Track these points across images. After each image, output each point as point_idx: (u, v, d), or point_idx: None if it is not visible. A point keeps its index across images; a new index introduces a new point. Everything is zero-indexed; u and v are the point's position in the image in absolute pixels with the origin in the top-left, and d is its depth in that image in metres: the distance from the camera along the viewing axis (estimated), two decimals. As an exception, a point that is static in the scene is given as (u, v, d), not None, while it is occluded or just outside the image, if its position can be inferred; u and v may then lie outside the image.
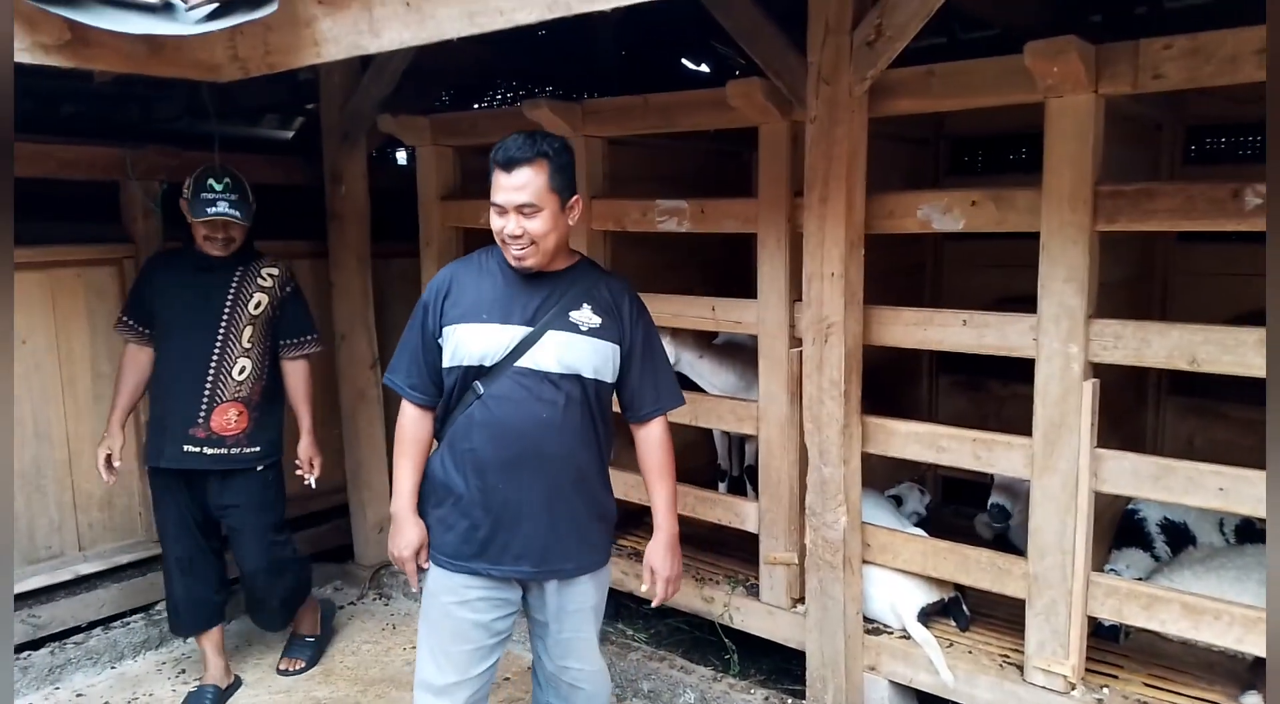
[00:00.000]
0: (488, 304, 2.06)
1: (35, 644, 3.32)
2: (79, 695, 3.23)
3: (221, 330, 2.96)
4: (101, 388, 3.46)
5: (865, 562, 2.76)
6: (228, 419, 2.95)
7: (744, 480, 3.62)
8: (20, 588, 3.31)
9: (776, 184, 2.76)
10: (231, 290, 2.98)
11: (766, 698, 2.89)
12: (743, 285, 3.19)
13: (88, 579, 3.50)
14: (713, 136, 3.31)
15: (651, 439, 2.18)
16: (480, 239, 3.78)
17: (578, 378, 2.05)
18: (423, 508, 2.15)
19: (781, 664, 3.12)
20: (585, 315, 2.04)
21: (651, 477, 2.18)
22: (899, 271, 3.77)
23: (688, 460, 3.72)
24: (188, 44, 2.54)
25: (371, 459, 4.00)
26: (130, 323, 3.02)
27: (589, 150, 3.20)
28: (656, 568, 2.17)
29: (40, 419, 3.40)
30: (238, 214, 2.87)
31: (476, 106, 6.01)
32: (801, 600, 2.88)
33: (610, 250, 3.29)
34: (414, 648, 3.45)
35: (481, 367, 2.05)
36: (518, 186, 1.92)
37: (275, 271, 3.08)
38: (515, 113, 3.25)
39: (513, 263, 2.04)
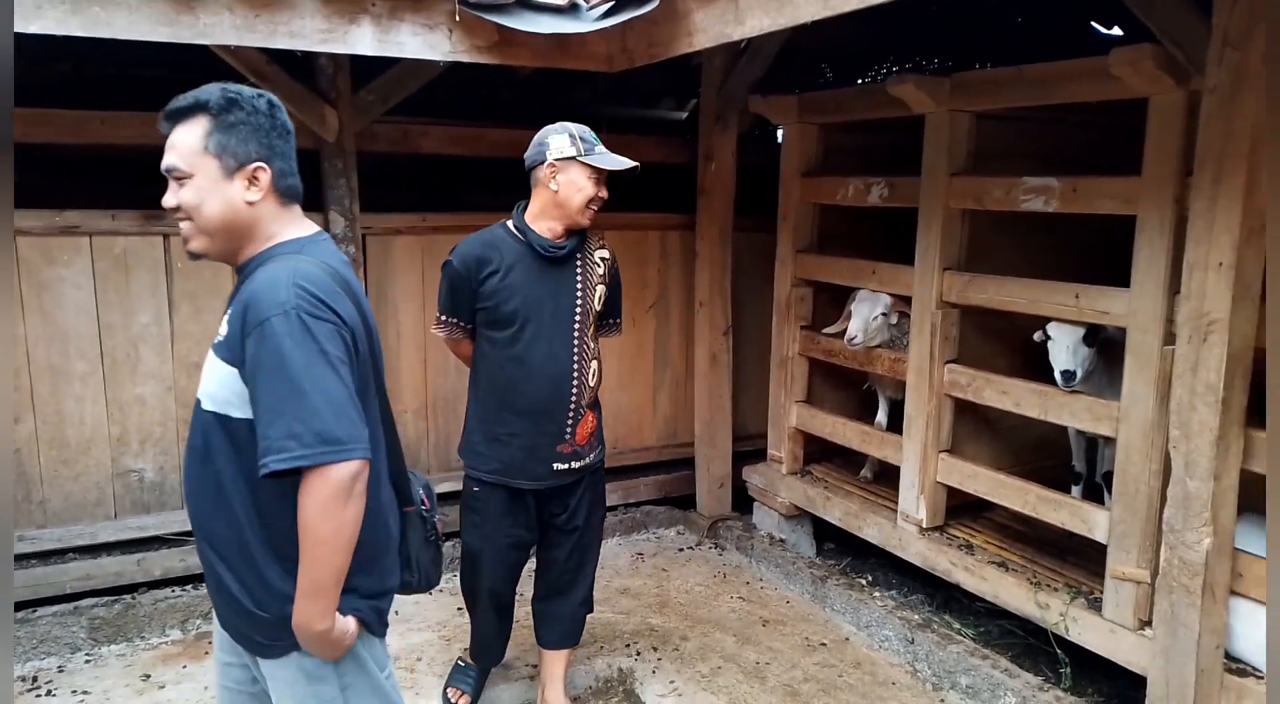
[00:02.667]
0: None
1: (450, 536, 4.07)
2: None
3: (576, 332, 2.55)
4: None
5: (1234, 592, 2.42)
6: (587, 427, 2.63)
7: (1101, 487, 3.31)
8: (443, 489, 4.09)
9: (1164, 161, 2.48)
10: (579, 284, 2.56)
11: (1097, 720, 2.68)
12: (1111, 278, 2.91)
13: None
14: (1097, 109, 3.03)
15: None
16: (836, 215, 3.88)
17: (199, 412, 1.62)
18: None
19: (1125, 690, 2.85)
20: (224, 324, 1.58)
21: None
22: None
23: (1037, 459, 3.53)
24: (589, 40, 2.95)
25: (718, 419, 4.29)
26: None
27: (954, 125, 3.12)
28: None
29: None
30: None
31: (860, 82, 6.00)
32: (1150, 623, 2.60)
33: (968, 230, 3.18)
34: (741, 598, 3.71)
35: None
36: (169, 146, 1.60)
37: (606, 254, 2.68)
38: (880, 88, 3.25)
39: None
